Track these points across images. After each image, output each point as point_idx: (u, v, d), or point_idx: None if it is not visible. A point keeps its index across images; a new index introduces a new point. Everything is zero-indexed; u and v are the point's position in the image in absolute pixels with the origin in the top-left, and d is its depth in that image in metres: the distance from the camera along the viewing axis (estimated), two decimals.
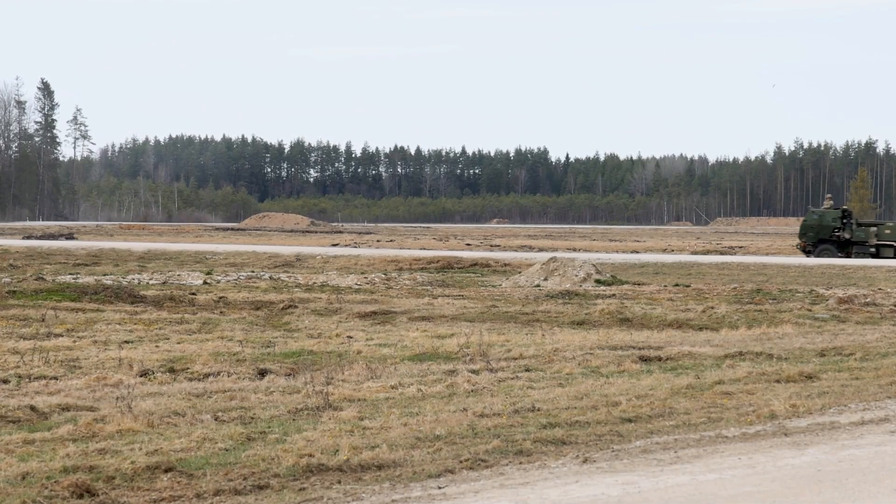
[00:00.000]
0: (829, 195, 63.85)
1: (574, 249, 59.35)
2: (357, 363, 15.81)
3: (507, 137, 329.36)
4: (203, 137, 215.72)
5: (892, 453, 10.68)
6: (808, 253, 55.31)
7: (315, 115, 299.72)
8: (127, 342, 18.17)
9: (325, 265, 42.07)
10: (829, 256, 53.77)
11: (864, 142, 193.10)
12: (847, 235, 54.84)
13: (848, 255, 54.47)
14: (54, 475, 9.24)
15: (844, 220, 55.19)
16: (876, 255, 54.38)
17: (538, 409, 12.33)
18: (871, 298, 28.00)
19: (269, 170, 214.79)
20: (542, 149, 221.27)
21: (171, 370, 15.23)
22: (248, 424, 11.51)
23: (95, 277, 33.51)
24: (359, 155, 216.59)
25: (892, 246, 54.43)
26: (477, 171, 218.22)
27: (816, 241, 55.09)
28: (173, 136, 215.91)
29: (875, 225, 56.10)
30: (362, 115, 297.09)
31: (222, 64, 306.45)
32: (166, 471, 9.40)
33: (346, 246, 62.32)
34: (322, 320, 22.36)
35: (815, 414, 12.53)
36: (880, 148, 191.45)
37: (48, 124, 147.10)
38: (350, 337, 19.47)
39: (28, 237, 67.46)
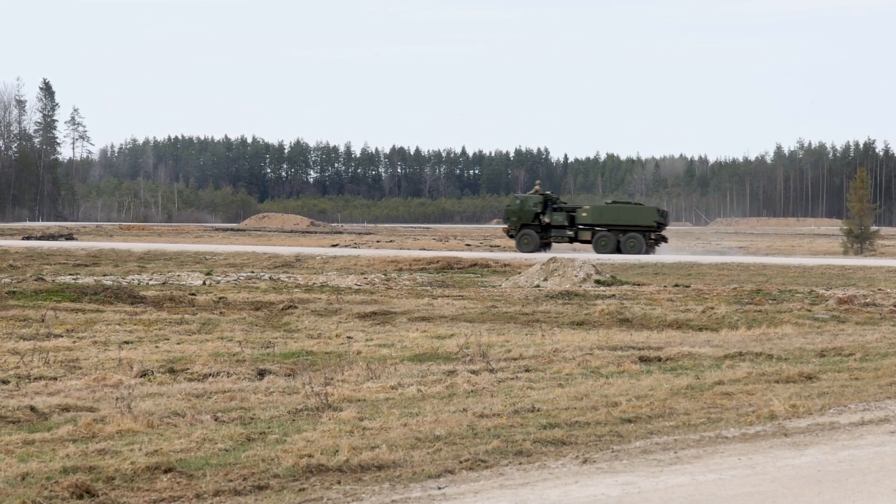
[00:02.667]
0: (538, 181, 66.19)
1: (574, 249, 59.36)
2: (357, 364, 15.81)
3: (507, 138, 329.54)
4: (203, 138, 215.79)
5: (892, 453, 10.68)
6: (511, 237, 56.82)
7: (315, 115, 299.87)
8: (127, 343, 18.17)
9: (324, 266, 42.07)
10: (530, 241, 55.33)
11: (863, 142, 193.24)
12: (547, 220, 55.89)
13: (549, 240, 55.97)
14: (54, 475, 9.24)
15: (546, 206, 56.40)
16: (574, 239, 55.75)
17: (538, 410, 12.33)
18: (871, 299, 27.99)
19: (268, 170, 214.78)
20: (541, 149, 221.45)
21: (171, 370, 15.22)
22: (248, 425, 11.51)
23: (95, 278, 33.50)
24: (358, 155, 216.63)
25: (589, 229, 55.45)
26: (476, 171, 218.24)
27: (519, 225, 56.24)
28: (173, 136, 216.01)
29: (573, 210, 56.96)
30: (362, 115, 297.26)
31: (222, 64, 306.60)
32: (166, 471, 9.40)
33: (346, 246, 62.33)
34: (322, 321, 22.35)
35: (815, 414, 12.53)
36: (879, 148, 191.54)
37: (48, 125, 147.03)
38: (350, 337, 19.46)
39: (28, 237, 67.40)
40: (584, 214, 55.81)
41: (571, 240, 55.69)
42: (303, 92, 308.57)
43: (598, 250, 54.03)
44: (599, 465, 10.00)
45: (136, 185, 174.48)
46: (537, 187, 59.57)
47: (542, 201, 56.31)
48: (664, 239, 56.19)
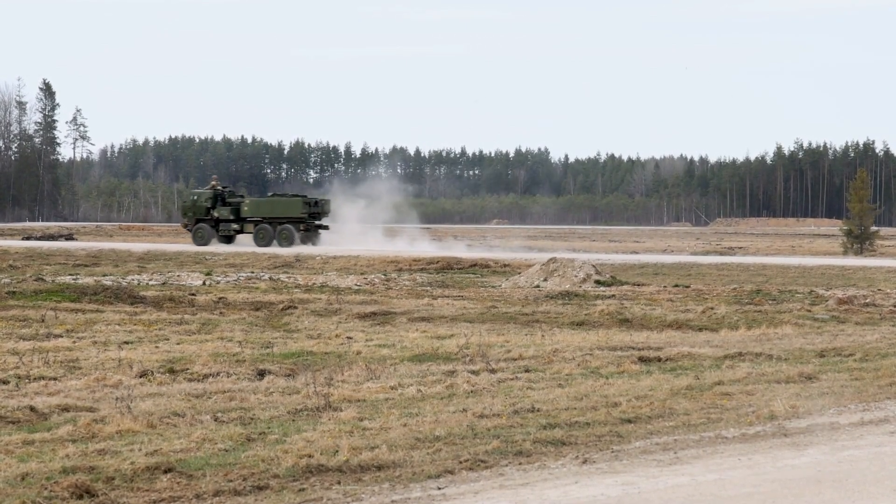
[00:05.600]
0: (214, 175, 69.08)
1: (574, 250, 59.36)
2: (356, 364, 15.81)
3: (507, 138, 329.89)
4: (203, 138, 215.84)
5: (891, 454, 10.68)
6: (189, 231, 59.32)
7: (315, 115, 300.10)
8: (126, 343, 18.17)
9: (324, 266, 42.07)
10: (204, 235, 57.83)
11: (862, 142, 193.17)
12: (217, 214, 58.40)
13: (226, 234, 58.29)
14: (54, 476, 9.24)
15: (217, 201, 58.83)
16: (240, 231, 58.33)
17: (538, 410, 12.33)
18: (871, 299, 27.97)
19: (268, 170, 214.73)
20: (542, 149, 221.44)
21: (171, 371, 15.23)
22: (248, 425, 11.52)
23: (95, 278, 33.50)
24: (358, 156, 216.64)
25: (252, 221, 57.86)
26: (476, 171, 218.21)
27: (195, 220, 58.72)
28: (173, 136, 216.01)
29: (238, 204, 59.09)
30: (362, 115, 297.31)
31: (222, 64, 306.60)
32: (166, 471, 9.41)
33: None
34: (322, 321, 22.35)
35: (815, 414, 12.53)
36: (879, 148, 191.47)
37: (48, 125, 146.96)
38: (350, 337, 19.46)
39: (28, 238, 67.45)
40: (246, 208, 58.49)
41: (237, 232, 58.33)
42: (303, 92, 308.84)
43: (258, 243, 56.52)
44: (599, 465, 10.00)
45: (135, 185, 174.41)
46: (213, 182, 62.07)
47: (212, 196, 58.81)
48: (323, 228, 58.91)
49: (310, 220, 57.77)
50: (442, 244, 64.40)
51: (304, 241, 56.55)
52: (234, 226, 58.07)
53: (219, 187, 60.58)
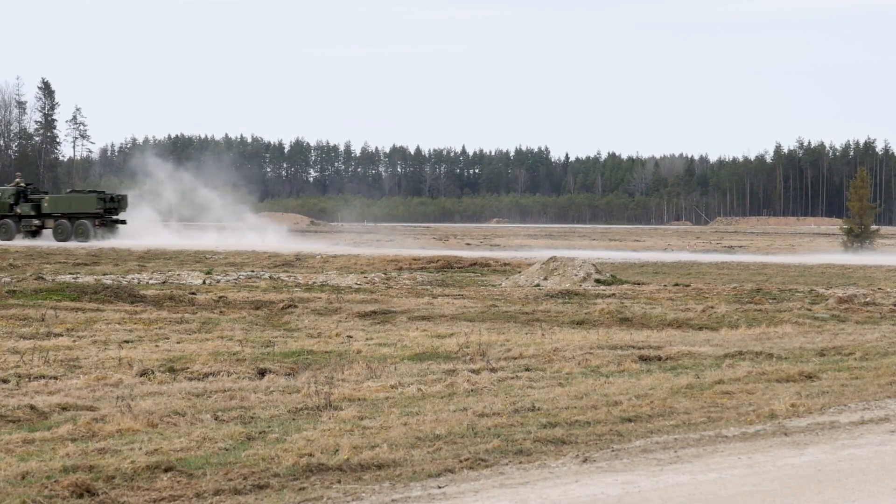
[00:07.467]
0: (18, 173, 71.64)
1: (574, 249, 59.36)
2: (357, 363, 15.80)
3: (507, 137, 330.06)
4: (202, 137, 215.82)
5: (892, 453, 10.68)
6: None
7: (315, 114, 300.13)
8: (127, 342, 18.16)
9: (324, 265, 42.07)
10: (7, 231, 59.90)
11: (862, 141, 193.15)
12: (20, 210, 60.52)
13: (30, 229, 60.33)
14: (54, 475, 9.24)
15: (20, 198, 60.85)
16: (42, 227, 60.27)
17: (538, 409, 12.32)
18: (871, 298, 27.97)
19: (268, 169, 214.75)
20: (542, 148, 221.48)
21: (171, 370, 15.22)
22: (248, 424, 11.51)
23: (95, 277, 33.50)
24: (358, 155, 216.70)
25: (53, 217, 59.95)
26: (477, 170, 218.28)
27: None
28: (173, 135, 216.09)
29: (39, 200, 61.03)
30: (362, 114, 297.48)
31: (222, 64, 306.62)
32: (166, 470, 9.40)
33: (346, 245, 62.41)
34: (322, 320, 22.34)
35: (815, 413, 12.53)
36: (879, 147, 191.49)
37: (48, 124, 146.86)
38: (350, 336, 19.45)
39: None
40: (46, 204, 60.53)
41: (39, 227, 60.13)
42: (303, 91, 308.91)
43: (56, 237, 58.53)
44: (599, 464, 10.00)
45: (135, 184, 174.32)
46: (17, 180, 64.08)
47: (15, 193, 60.71)
48: (120, 222, 61.09)
49: (106, 215, 60.04)
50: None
51: (101, 236, 58.80)
52: (36, 221, 60.22)
53: (22, 184, 62.61)
